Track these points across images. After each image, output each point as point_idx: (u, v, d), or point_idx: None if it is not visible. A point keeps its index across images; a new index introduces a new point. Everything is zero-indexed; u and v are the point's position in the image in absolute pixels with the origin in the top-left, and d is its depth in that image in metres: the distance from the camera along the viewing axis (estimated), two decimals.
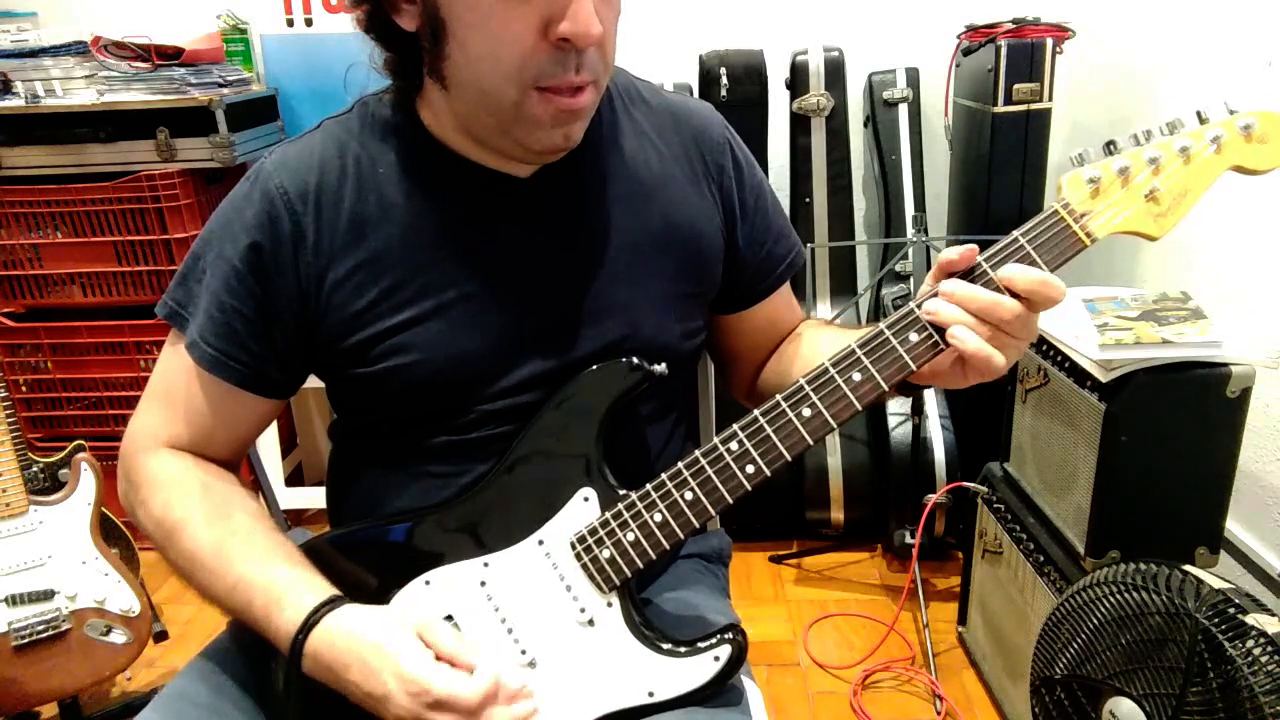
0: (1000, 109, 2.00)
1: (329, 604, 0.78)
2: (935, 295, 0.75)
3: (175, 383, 0.89)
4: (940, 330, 0.74)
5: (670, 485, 0.81)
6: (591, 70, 0.77)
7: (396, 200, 0.85)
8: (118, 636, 1.62)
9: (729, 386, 1.10)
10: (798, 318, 1.05)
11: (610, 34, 0.78)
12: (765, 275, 0.99)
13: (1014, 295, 0.72)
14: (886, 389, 0.77)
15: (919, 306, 0.76)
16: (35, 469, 1.63)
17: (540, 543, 0.85)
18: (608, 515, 0.83)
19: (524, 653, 0.84)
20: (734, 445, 0.79)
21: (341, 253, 0.84)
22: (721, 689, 0.83)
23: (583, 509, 0.84)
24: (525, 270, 0.87)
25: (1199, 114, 0.75)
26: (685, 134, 0.94)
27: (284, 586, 0.80)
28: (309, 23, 2.37)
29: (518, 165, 0.86)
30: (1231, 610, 1.07)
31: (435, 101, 0.84)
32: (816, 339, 0.99)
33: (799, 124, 2.25)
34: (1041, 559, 1.51)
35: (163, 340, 0.92)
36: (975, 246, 0.74)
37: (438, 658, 0.76)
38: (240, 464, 0.95)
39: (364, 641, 0.76)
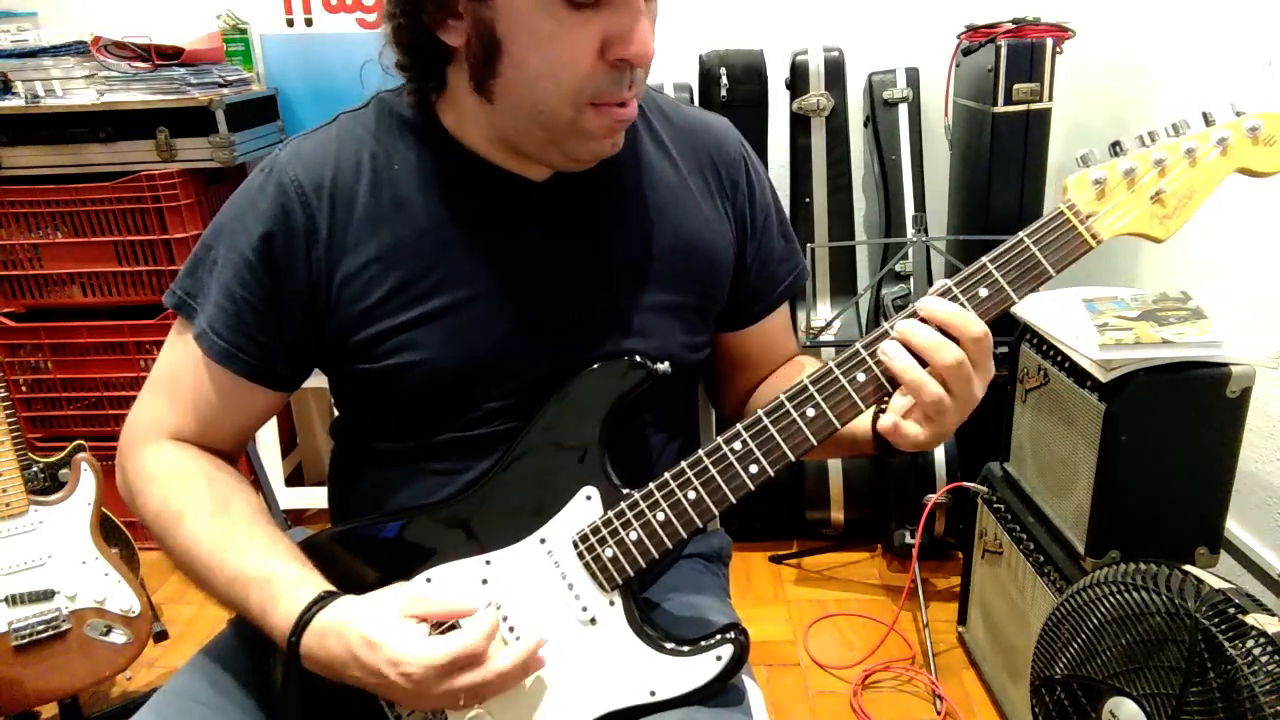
0: (1000, 109, 2.00)
1: (319, 601, 0.78)
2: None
3: (181, 373, 0.88)
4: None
5: (673, 484, 0.81)
6: (640, 83, 0.79)
7: (411, 197, 0.85)
8: (118, 636, 1.62)
9: (716, 406, 1.10)
10: (792, 348, 1.05)
11: None
12: (764, 295, 1.00)
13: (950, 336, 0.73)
14: (890, 389, 0.77)
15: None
16: (35, 469, 1.63)
17: (542, 541, 0.85)
18: (610, 514, 0.83)
19: None
20: (737, 445, 0.79)
21: (354, 247, 0.84)
22: (723, 688, 0.83)
23: (585, 507, 0.84)
24: (535, 273, 0.87)
25: (1205, 116, 0.75)
26: (701, 149, 0.95)
27: (279, 583, 0.80)
28: (309, 23, 2.36)
29: (535, 169, 0.86)
30: (1231, 610, 1.07)
31: (464, 107, 0.84)
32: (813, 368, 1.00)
33: (799, 124, 2.25)
34: (1041, 559, 1.51)
35: (163, 340, 0.91)
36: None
37: (435, 626, 0.76)
38: (240, 457, 0.95)
39: (353, 637, 0.75)
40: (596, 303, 0.88)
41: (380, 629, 0.75)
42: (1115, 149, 0.75)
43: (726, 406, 1.08)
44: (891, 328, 0.76)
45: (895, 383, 0.77)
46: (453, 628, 0.78)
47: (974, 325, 0.73)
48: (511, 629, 0.84)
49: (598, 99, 0.77)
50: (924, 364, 0.74)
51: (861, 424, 0.85)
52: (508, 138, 0.83)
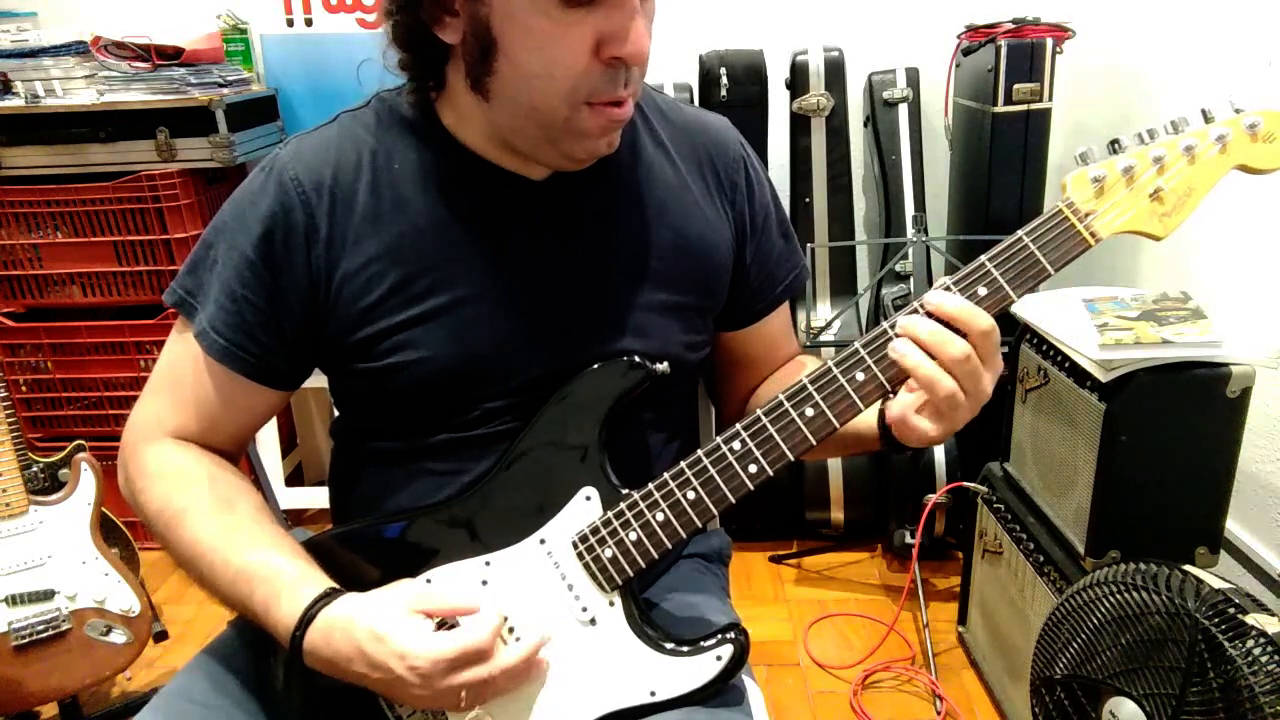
0: (1000, 109, 2.00)
1: (325, 597, 0.78)
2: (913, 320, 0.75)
3: (182, 372, 0.88)
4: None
5: (673, 484, 0.81)
6: (636, 82, 0.79)
7: (411, 197, 0.85)
8: (118, 636, 1.62)
9: (717, 406, 1.10)
10: (793, 349, 1.05)
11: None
12: (764, 295, 0.99)
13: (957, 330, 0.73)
14: (890, 389, 0.77)
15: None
16: (35, 469, 1.63)
17: (542, 541, 0.85)
18: (610, 514, 0.83)
19: None
20: (736, 444, 0.79)
21: (353, 246, 0.84)
22: (723, 688, 0.83)
23: (585, 508, 0.84)
24: (535, 272, 0.87)
25: (1204, 112, 0.75)
26: (701, 148, 0.95)
27: (282, 580, 0.80)
28: (309, 23, 2.36)
29: (534, 168, 0.86)
30: (1231, 610, 1.07)
31: (463, 106, 0.84)
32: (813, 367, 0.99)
33: (799, 124, 2.25)
34: (1041, 559, 1.51)
35: (163, 340, 0.92)
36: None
37: (442, 624, 0.77)
38: (242, 457, 0.95)
39: (360, 631, 0.75)
40: (595, 302, 0.88)
41: (388, 623, 0.75)
42: (1114, 147, 0.75)
43: (727, 406, 1.08)
44: (894, 325, 0.76)
45: (897, 382, 0.77)
46: (455, 627, 0.78)
47: (981, 319, 0.73)
48: (511, 630, 0.84)
49: (593, 98, 0.77)
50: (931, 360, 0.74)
51: (865, 421, 0.85)
52: (505, 136, 0.83)
